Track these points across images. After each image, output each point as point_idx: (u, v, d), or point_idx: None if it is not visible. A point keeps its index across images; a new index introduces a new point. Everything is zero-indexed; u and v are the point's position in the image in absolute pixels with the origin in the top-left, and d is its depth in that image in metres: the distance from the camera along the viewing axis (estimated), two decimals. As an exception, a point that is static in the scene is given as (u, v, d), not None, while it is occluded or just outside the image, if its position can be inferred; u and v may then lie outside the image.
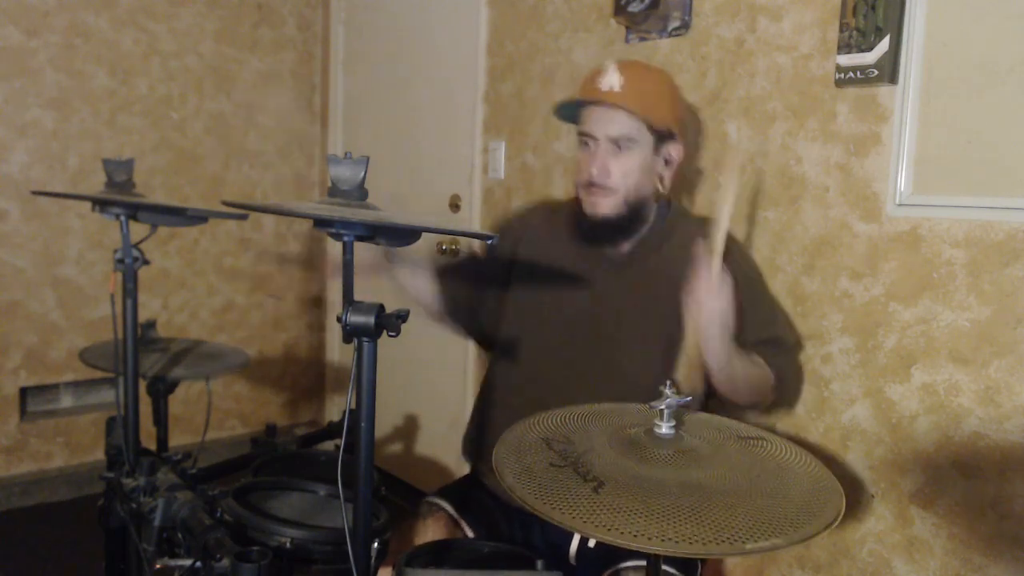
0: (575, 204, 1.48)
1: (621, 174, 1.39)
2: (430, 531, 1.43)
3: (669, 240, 1.47)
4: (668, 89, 1.48)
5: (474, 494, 1.53)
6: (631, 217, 1.43)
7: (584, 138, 1.43)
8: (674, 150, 1.46)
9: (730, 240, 1.54)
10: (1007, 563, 1.38)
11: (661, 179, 1.46)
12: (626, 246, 1.48)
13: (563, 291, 1.50)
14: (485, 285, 1.60)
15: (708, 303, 1.22)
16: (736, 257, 1.47)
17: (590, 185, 1.41)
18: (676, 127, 1.45)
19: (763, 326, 1.45)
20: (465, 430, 1.65)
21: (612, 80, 1.39)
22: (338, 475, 0.94)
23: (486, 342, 1.67)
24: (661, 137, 1.42)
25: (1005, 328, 1.37)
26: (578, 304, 1.48)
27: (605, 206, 1.40)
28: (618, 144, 1.39)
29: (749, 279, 1.47)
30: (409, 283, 1.56)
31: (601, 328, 1.46)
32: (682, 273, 1.41)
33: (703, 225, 1.54)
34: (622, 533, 0.75)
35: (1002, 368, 1.37)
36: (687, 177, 1.87)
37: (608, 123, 1.39)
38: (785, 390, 1.56)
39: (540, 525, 1.46)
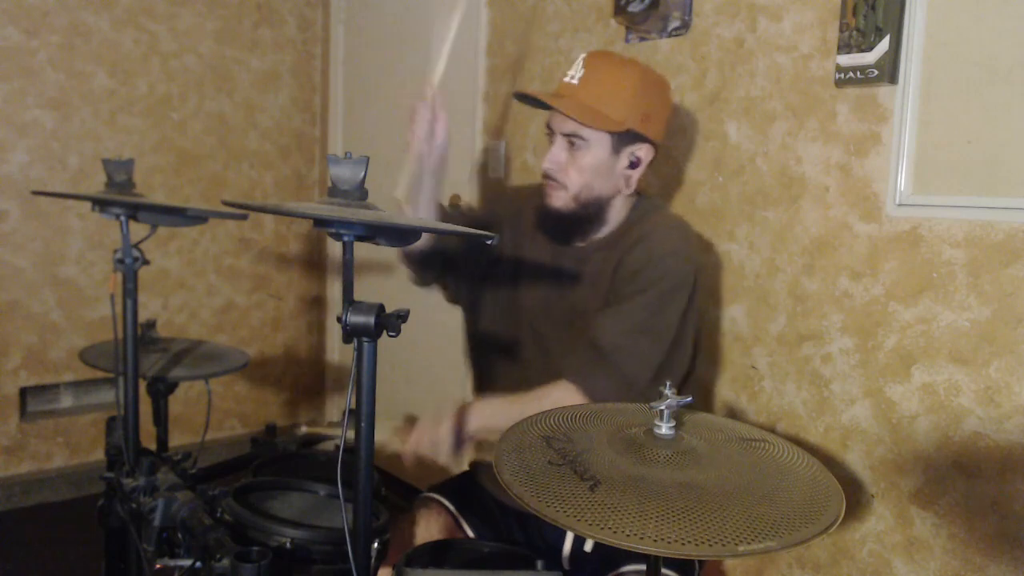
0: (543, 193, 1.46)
1: (574, 170, 1.37)
2: (429, 526, 1.43)
3: (627, 234, 1.41)
4: (634, 87, 1.36)
5: (473, 491, 1.53)
6: (583, 216, 1.40)
7: (548, 130, 1.42)
8: (641, 151, 1.39)
9: (659, 215, 1.45)
10: (1007, 563, 1.38)
11: (627, 180, 1.40)
12: (588, 240, 1.45)
13: (534, 282, 1.49)
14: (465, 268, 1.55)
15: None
16: (655, 235, 1.38)
17: (545, 176, 1.42)
18: (643, 127, 1.37)
19: (596, 324, 1.35)
20: None
21: (574, 75, 1.38)
22: (338, 475, 0.94)
23: (448, 294, 1.60)
24: (622, 138, 1.37)
25: (1005, 328, 1.37)
26: (543, 297, 1.46)
27: (557, 199, 1.40)
28: (571, 141, 1.37)
29: (637, 287, 1.33)
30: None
31: (562, 320, 1.43)
32: (618, 267, 1.37)
33: (663, 221, 1.44)
34: (615, 532, 0.75)
35: (1002, 368, 1.37)
36: (681, 178, 1.87)
37: (563, 119, 1.37)
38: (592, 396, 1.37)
39: (539, 524, 1.46)
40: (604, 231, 1.44)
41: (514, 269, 1.51)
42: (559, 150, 1.38)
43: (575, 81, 1.36)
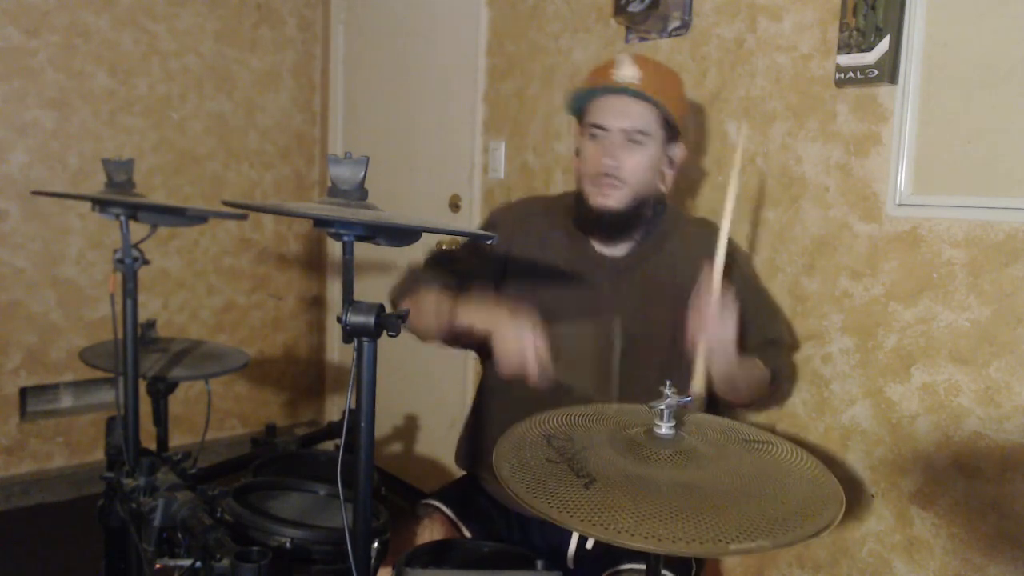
0: (574, 198, 1.45)
1: (632, 168, 1.37)
2: (429, 534, 1.43)
3: (667, 243, 1.46)
4: (680, 86, 1.47)
5: (473, 497, 1.52)
6: (635, 213, 1.41)
7: (595, 130, 1.39)
8: (678, 151, 1.45)
9: (731, 245, 1.53)
10: (1007, 563, 1.38)
11: (663, 178, 1.45)
12: (623, 248, 1.45)
13: (562, 293, 1.46)
14: (474, 281, 1.50)
15: (713, 331, 1.22)
16: (738, 262, 1.48)
17: (601, 176, 1.37)
18: (681, 127, 1.45)
19: (764, 328, 1.48)
20: (460, 437, 1.63)
21: (630, 72, 1.36)
22: (338, 475, 0.94)
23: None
24: (670, 136, 1.42)
25: (1005, 328, 1.37)
26: (579, 308, 1.44)
27: (614, 198, 1.38)
28: (631, 138, 1.36)
29: (751, 284, 1.50)
30: None
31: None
32: (681, 277, 1.40)
33: (699, 227, 1.52)
34: (607, 529, 0.75)
35: (1002, 368, 1.37)
36: (691, 177, 1.87)
37: (623, 116, 1.36)
38: (780, 388, 1.58)
39: (539, 528, 1.46)
40: (641, 230, 1.45)
41: (552, 297, 1.46)
42: (618, 148, 1.37)
43: (637, 80, 1.36)
